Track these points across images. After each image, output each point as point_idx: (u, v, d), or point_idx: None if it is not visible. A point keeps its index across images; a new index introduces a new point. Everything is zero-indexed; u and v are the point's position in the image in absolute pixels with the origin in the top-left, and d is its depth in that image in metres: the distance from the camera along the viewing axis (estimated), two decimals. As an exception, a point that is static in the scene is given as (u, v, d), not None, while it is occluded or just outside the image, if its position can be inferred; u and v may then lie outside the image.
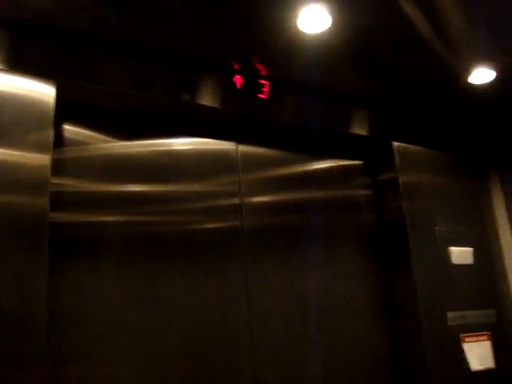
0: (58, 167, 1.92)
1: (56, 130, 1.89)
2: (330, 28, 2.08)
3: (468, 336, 2.59)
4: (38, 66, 1.84)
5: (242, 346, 2.19)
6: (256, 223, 2.38)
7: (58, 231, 1.87)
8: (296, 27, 2.06)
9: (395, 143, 2.73)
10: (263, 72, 2.36)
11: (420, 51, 2.31)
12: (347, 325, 2.49)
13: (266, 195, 2.46)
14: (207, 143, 2.38)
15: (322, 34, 2.11)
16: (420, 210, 2.69)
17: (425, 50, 2.29)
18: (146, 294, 2.04)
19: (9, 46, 1.80)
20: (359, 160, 2.84)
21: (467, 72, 2.50)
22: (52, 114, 1.79)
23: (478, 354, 2.58)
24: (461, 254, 2.71)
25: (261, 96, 2.36)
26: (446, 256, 2.68)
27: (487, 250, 2.88)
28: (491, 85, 2.59)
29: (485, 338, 2.64)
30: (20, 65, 1.80)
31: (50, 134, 1.76)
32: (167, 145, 2.27)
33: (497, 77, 2.52)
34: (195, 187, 2.28)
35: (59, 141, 1.98)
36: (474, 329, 2.63)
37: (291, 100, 2.47)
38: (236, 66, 2.31)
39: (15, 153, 1.69)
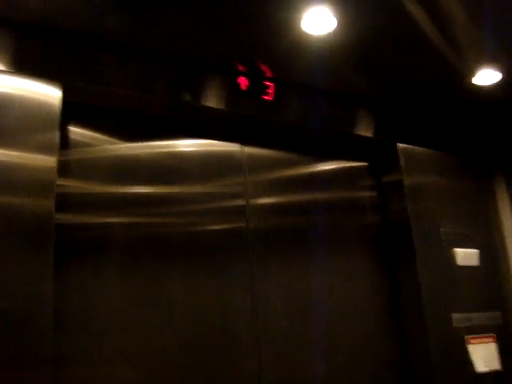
0: (64, 169, 1.93)
1: (62, 131, 1.89)
2: (334, 30, 2.08)
3: (473, 338, 2.58)
4: (44, 68, 1.85)
5: (246, 348, 2.19)
6: (261, 225, 2.38)
7: (64, 232, 1.87)
8: (300, 29, 2.07)
9: (400, 144, 2.73)
10: (268, 73, 2.37)
11: (425, 52, 2.31)
12: (352, 326, 2.48)
13: (272, 197, 2.46)
14: (212, 145, 2.38)
15: (327, 35, 2.12)
16: (425, 212, 2.68)
17: (429, 50, 2.29)
18: (150, 296, 2.04)
19: (15, 48, 1.81)
20: (364, 161, 2.83)
21: (472, 73, 2.50)
22: (58, 115, 1.80)
23: (484, 355, 2.57)
24: (466, 256, 2.71)
25: (266, 97, 2.36)
26: (451, 258, 2.67)
27: (493, 252, 2.87)
28: (497, 86, 2.59)
29: (490, 339, 2.63)
30: (26, 67, 1.81)
31: (55, 136, 1.78)
32: (172, 146, 2.28)
33: (502, 78, 2.52)
34: (200, 189, 2.28)
35: (65, 142, 1.99)
36: (480, 330, 2.62)
37: (296, 101, 2.47)
38: (241, 68, 2.31)
39: (21, 154, 1.70)
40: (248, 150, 2.45)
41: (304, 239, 2.49)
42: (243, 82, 2.31)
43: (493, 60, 2.40)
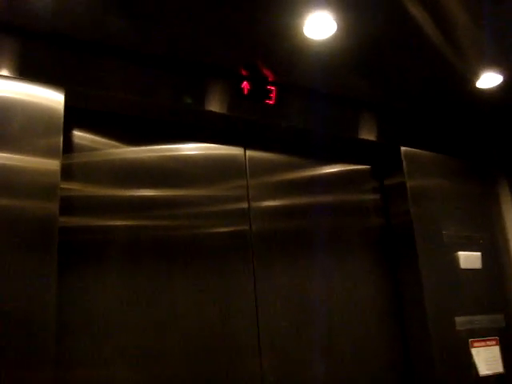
0: (68, 172, 1.96)
1: (66, 135, 1.92)
2: (335, 34, 2.10)
3: (476, 341, 2.58)
4: (47, 73, 1.88)
5: (248, 349, 2.20)
6: (264, 227, 2.40)
7: (67, 235, 1.90)
8: (302, 33, 2.09)
9: (403, 148, 2.73)
10: (270, 78, 2.39)
11: (426, 55, 2.32)
12: (354, 328, 2.49)
13: (274, 199, 2.48)
14: (215, 148, 2.40)
15: (328, 40, 2.14)
16: (428, 215, 2.68)
17: (431, 53, 2.31)
18: (153, 297, 2.06)
19: (18, 54, 1.84)
20: (367, 164, 2.85)
21: (474, 76, 2.51)
22: (61, 120, 1.83)
23: (487, 358, 2.57)
24: (469, 259, 2.71)
25: (268, 102, 2.38)
26: (454, 260, 2.67)
27: (496, 255, 2.87)
28: (498, 88, 2.60)
29: (493, 342, 2.63)
30: (29, 72, 1.84)
31: (59, 140, 1.81)
32: (175, 150, 2.30)
33: (504, 81, 2.53)
34: (203, 192, 2.30)
35: (69, 146, 2.02)
36: (483, 334, 2.62)
37: (298, 105, 2.48)
38: (244, 72, 2.33)
39: (25, 158, 1.73)
40: (250, 153, 2.47)
41: (307, 242, 2.50)
42: (246, 86, 2.33)
43: (494, 63, 2.41)
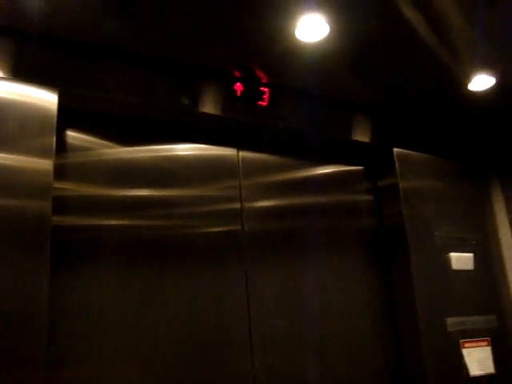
0: (61, 172, 1.99)
1: (60, 136, 1.95)
2: (327, 36, 2.12)
3: (468, 341, 2.60)
4: (41, 74, 1.90)
5: (241, 348, 2.22)
6: (256, 227, 2.41)
7: (61, 234, 1.92)
8: (294, 36, 2.10)
9: (396, 149, 2.75)
10: (263, 80, 2.41)
11: (420, 58, 2.34)
12: (346, 328, 2.51)
13: (267, 200, 2.50)
14: (208, 149, 2.42)
15: (321, 42, 2.15)
16: (420, 216, 2.70)
17: (425, 56, 2.32)
18: (146, 297, 2.08)
19: (13, 55, 1.86)
20: (360, 166, 2.86)
21: (467, 79, 2.53)
22: (54, 120, 1.85)
23: (478, 359, 2.58)
24: (461, 260, 2.72)
25: (261, 103, 2.40)
26: (446, 261, 2.69)
27: (488, 256, 2.89)
28: (491, 91, 2.62)
29: (485, 343, 2.65)
30: (24, 73, 1.86)
31: (52, 140, 1.82)
32: (169, 150, 2.32)
33: (496, 83, 2.55)
34: (196, 192, 2.32)
35: (63, 146, 2.04)
36: (474, 334, 2.64)
37: (291, 107, 2.50)
38: (237, 74, 2.35)
39: (19, 158, 1.75)
40: (243, 154, 2.49)
41: (299, 242, 2.52)
42: (239, 88, 2.35)
43: (486, 65, 2.43)
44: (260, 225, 2.43)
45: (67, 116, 2.00)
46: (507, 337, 2.77)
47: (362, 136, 2.70)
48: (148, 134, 2.29)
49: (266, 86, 2.42)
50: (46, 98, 1.85)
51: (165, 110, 2.25)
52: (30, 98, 1.83)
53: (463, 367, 2.54)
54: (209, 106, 2.29)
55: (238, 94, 2.35)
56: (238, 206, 2.40)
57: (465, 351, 2.57)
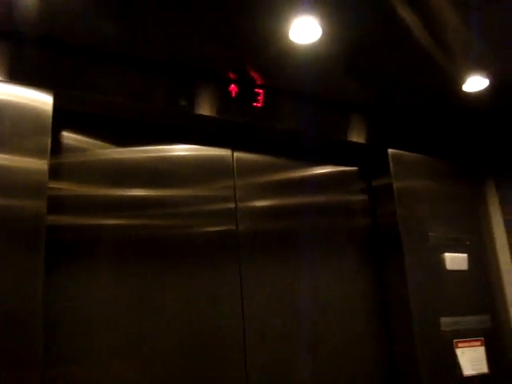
0: (57, 172, 2.02)
1: (55, 136, 1.99)
2: (320, 39, 2.14)
3: (461, 341, 2.61)
4: (37, 76, 1.93)
5: (235, 348, 2.25)
6: (251, 227, 2.44)
7: (56, 234, 1.95)
8: (288, 38, 2.13)
9: (390, 150, 2.77)
10: (258, 81, 2.43)
11: (414, 59, 2.37)
12: (340, 328, 2.53)
13: (261, 200, 2.52)
14: (203, 150, 2.44)
15: (314, 44, 2.18)
16: (414, 216, 2.72)
17: (419, 58, 2.35)
18: (141, 296, 2.11)
19: (9, 57, 1.90)
20: (354, 166, 2.88)
21: (461, 80, 2.55)
22: (49, 121, 1.89)
23: (471, 359, 2.60)
24: (455, 260, 2.74)
25: (256, 104, 2.42)
26: (440, 262, 2.71)
27: (482, 256, 2.90)
28: (485, 92, 2.64)
29: (478, 343, 2.66)
30: (20, 76, 1.89)
31: (47, 141, 1.86)
32: (164, 151, 2.35)
33: (490, 85, 2.57)
34: (191, 192, 2.35)
35: (58, 147, 2.07)
36: (468, 334, 2.65)
37: (286, 108, 2.52)
38: (232, 76, 2.38)
39: (14, 158, 1.79)
40: (238, 154, 2.52)
41: (293, 242, 2.54)
42: (233, 89, 2.38)
43: (480, 67, 2.45)
44: (254, 224, 2.46)
45: (63, 117, 2.04)
46: (501, 337, 2.79)
47: (356, 137, 2.72)
48: (143, 135, 2.32)
49: (260, 87, 2.44)
50: (41, 100, 1.89)
51: (161, 112, 2.28)
52: (25, 100, 1.86)
53: (457, 367, 2.56)
54: (204, 108, 2.32)
55: (233, 95, 2.37)
56: (232, 205, 2.42)
57: (458, 351, 2.59)
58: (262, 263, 2.42)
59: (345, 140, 2.70)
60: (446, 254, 2.72)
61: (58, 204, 2.00)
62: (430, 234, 2.72)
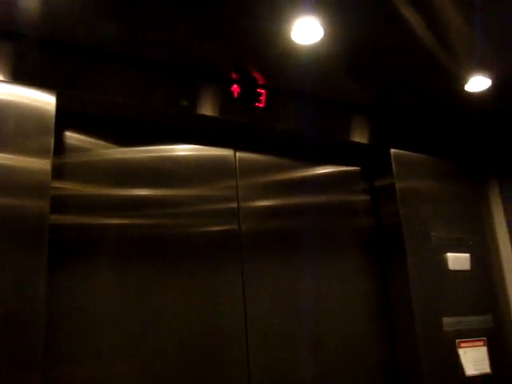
0: (60, 172, 2.04)
1: (58, 136, 2.00)
2: (322, 39, 2.15)
3: (464, 341, 2.61)
4: (40, 77, 1.94)
5: (237, 348, 2.25)
6: (253, 227, 2.45)
7: (58, 233, 1.97)
8: (290, 39, 2.14)
9: (393, 150, 2.77)
10: (260, 81, 2.44)
11: (416, 59, 2.37)
12: (342, 328, 2.53)
13: (263, 200, 2.53)
14: (206, 150, 2.45)
15: (316, 44, 2.19)
16: (417, 216, 2.72)
17: (421, 58, 2.35)
18: (144, 296, 2.12)
19: (13, 59, 1.91)
20: (356, 166, 2.89)
21: (464, 80, 2.55)
22: (52, 121, 1.90)
23: (474, 359, 2.60)
24: (457, 260, 2.74)
25: (258, 105, 2.43)
26: (443, 262, 2.71)
27: (485, 256, 2.90)
28: (487, 92, 2.64)
29: (481, 343, 2.66)
30: (23, 77, 1.91)
31: (50, 141, 1.88)
32: (167, 151, 2.36)
33: (492, 85, 2.57)
34: (194, 192, 2.36)
35: (61, 147, 2.09)
36: (471, 334, 2.65)
37: (288, 108, 2.53)
38: (234, 76, 2.39)
39: (18, 158, 1.80)
40: (240, 154, 2.52)
41: (296, 241, 2.55)
42: (236, 89, 2.39)
43: (482, 67, 2.45)
44: (257, 224, 2.46)
45: (66, 117, 2.05)
46: (503, 337, 2.79)
47: (358, 137, 2.73)
48: (146, 135, 2.33)
49: (262, 87, 2.45)
50: (44, 100, 1.90)
51: (163, 112, 2.29)
52: (28, 100, 1.88)
53: (459, 367, 2.56)
54: (206, 108, 2.33)
55: (235, 95, 2.38)
56: (234, 205, 2.43)
57: (461, 351, 2.59)
58: (264, 263, 2.43)
59: (347, 140, 2.70)
60: (449, 254, 2.72)
61: (61, 204, 2.01)
62: (433, 234, 2.72)
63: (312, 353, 2.42)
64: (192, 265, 2.26)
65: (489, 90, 2.61)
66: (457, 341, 2.60)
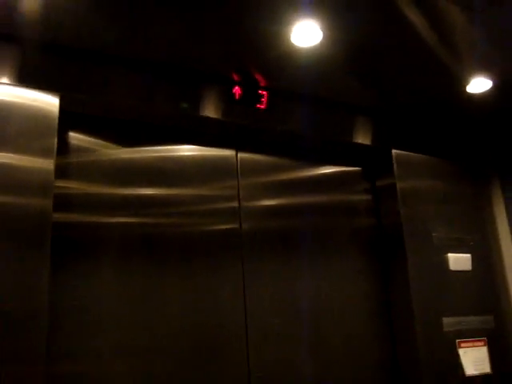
0: (63, 171, 2.10)
1: (62, 137, 2.06)
2: (321, 42, 2.18)
3: (464, 341, 2.62)
4: (44, 80, 2.00)
5: (238, 346, 2.28)
6: (254, 226, 2.48)
7: (61, 231, 2.02)
8: (290, 41, 2.17)
9: (394, 150, 2.79)
10: (261, 83, 2.48)
11: (416, 61, 2.39)
12: (343, 328, 2.55)
13: (264, 199, 2.56)
14: (208, 150, 2.49)
15: (315, 47, 2.22)
16: (418, 216, 2.73)
17: (422, 59, 2.37)
18: (145, 295, 2.15)
19: (17, 62, 1.97)
20: (357, 166, 2.91)
21: (465, 81, 2.56)
22: (56, 122, 1.96)
23: (474, 359, 2.61)
24: (458, 260, 2.75)
25: (259, 106, 2.47)
26: (444, 262, 2.72)
27: (486, 256, 2.90)
28: (489, 93, 2.65)
29: (481, 343, 2.67)
30: (28, 80, 1.96)
31: (53, 141, 1.93)
32: (169, 151, 2.40)
33: (493, 86, 2.58)
34: (196, 191, 2.40)
35: (65, 147, 2.14)
36: (471, 334, 2.66)
37: (289, 109, 2.56)
38: (235, 78, 2.43)
39: (22, 157, 1.86)
40: (242, 155, 2.56)
41: (296, 241, 2.57)
42: (237, 91, 2.43)
43: (483, 68, 2.46)
44: (257, 223, 2.50)
45: (70, 119, 2.11)
46: (505, 337, 2.79)
47: (360, 137, 2.75)
48: (148, 136, 2.37)
49: (264, 89, 2.48)
50: (48, 102, 1.96)
51: (166, 114, 2.33)
52: (33, 102, 1.94)
53: (459, 367, 2.57)
54: (208, 110, 2.37)
55: (237, 97, 2.42)
56: (236, 204, 2.47)
57: (461, 351, 2.60)
58: (265, 262, 2.46)
59: (348, 141, 2.73)
60: (450, 255, 2.73)
61: (64, 202, 2.06)
62: (434, 234, 2.74)
63: (312, 352, 2.44)
64: (193, 264, 2.29)
65: (490, 91, 2.62)
66: (457, 341, 2.61)
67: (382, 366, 2.62)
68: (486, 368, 2.62)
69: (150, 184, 2.30)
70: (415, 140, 2.93)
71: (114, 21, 2.01)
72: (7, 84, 1.93)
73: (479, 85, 2.58)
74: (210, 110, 2.37)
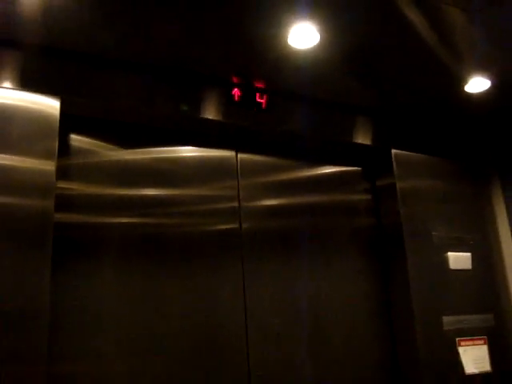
0: (65, 173, 2.13)
1: (63, 139, 2.10)
2: (318, 44, 2.20)
3: (464, 340, 2.63)
4: (45, 83, 2.03)
5: (238, 346, 2.30)
6: (254, 226, 2.50)
7: (63, 232, 2.04)
8: (287, 43, 2.20)
9: (394, 150, 2.80)
10: (260, 85, 2.50)
11: (415, 61, 2.41)
12: (343, 327, 2.57)
13: (264, 200, 2.58)
14: (208, 151, 2.51)
15: (313, 48, 2.24)
16: (418, 215, 2.75)
17: (420, 59, 2.39)
18: (145, 295, 2.17)
19: (19, 66, 2.01)
20: (357, 166, 2.92)
21: (464, 81, 2.57)
22: (57, 125, 1.99)
23: (474, 357, 2.62)
24: (459, 259, 2.76)
25: (259, 107, 2.49)
26: (444, 261, 2.73)
27: (487, 255, 2.91)
28: (488, 92, 2.66)
29: (481, 342, 2.68)
30: (29, 83, 2.00)
31: (54, 143, 1.97)
32: (170, 152, 2.42)
33: (492, 86, 2.59)
34: (196, 192, 2.42)
35: (66, 149, 2.18)
36: (471, 333, 2.67)
37: (288, 110, 2.58)
38: (235, 80, 2.45)
39: (24, 159, 1.90)
40: (242, 155, 2.58)
41: (297, 241, 2.59)
42: (236, 93, 2.45)
43: (482, 68, 2.47)
44: (257, 223, 2.51)
45: (70, 121, 2.14)
46: (505, 335, 2.80)
47: (360, 138, 2.76)
48: (148, 137, 2.40)
49: (263, 90, 2.51)
50: (49, 105, 2.00)
51: (166, 116, 2.35)
52: (34, 105, 1.97)
53: (459, 365, 2.58)
54: (208, 112, 2.39)
55: (236, 98, 2.45)
56: (235, 205, 2.49)
57: (460, 349, 2.61)
58: (265, 262, 2.48)
59: (348, 141, 2.74)
60: (450, 254, 2.74)
61: (65, 203, 2.09)
62: (434, 233, 2.75)
63: (312, 352, 2.46)
64: (193, 264, 2.31)
65: (488, 90, 2.63)
66: (457, 339, 2.62)
67: (382, 365, 2.63)
68: (486, 366, 2.63)
69: (150, 185, 2.32)
70: (415, 140, 2.94)
71: (114, 23, 2.04)
72: (9, 88, 1.96)
73: (478, 84, 2.59)
74: (209, 112, 2.40)
